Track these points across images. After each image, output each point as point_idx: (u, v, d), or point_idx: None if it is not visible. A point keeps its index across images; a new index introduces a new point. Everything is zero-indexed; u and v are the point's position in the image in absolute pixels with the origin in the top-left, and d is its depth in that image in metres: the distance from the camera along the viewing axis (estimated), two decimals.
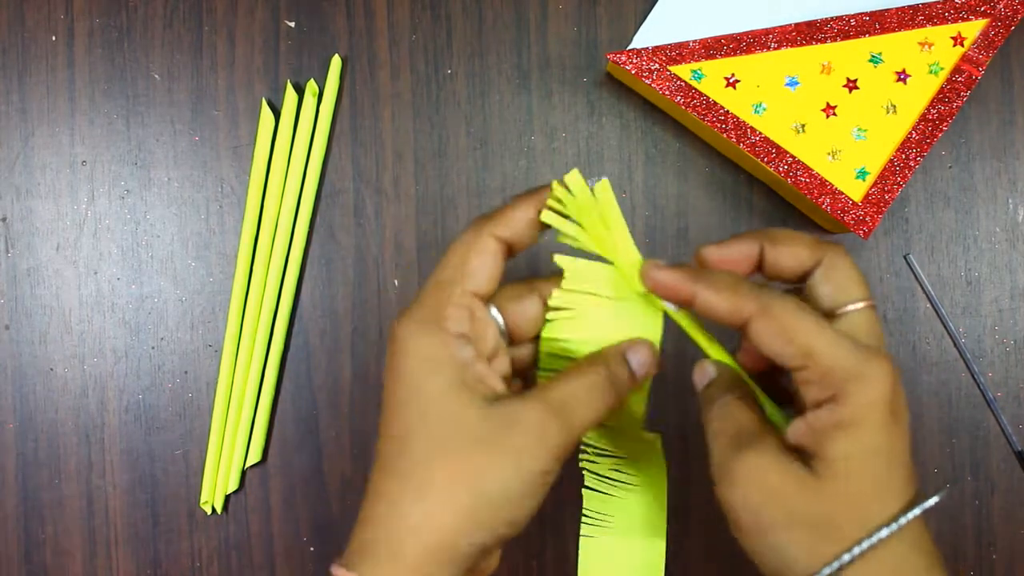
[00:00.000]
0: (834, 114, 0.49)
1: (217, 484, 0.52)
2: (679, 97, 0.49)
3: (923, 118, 0.48)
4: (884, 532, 0.30)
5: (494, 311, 0.35)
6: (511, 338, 0.36)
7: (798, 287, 0.35)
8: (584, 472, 0.37)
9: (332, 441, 0.52)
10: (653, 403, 0.37)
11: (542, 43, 0.52)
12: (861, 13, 0.49)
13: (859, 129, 0.49)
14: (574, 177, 0.34)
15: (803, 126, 0.49)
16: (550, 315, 0.35)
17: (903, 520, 0.30)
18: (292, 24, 0.52)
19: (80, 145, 0.53)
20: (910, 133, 0.48)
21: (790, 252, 0.34)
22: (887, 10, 0.49)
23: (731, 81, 0.49)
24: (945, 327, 0.51)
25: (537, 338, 0.36)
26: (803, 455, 0.32)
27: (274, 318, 0.52)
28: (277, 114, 0.52)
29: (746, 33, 0.49)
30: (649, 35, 0.50)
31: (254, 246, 0.52)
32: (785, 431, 0.32)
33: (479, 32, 0.52)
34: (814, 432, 0.31)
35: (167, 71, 0.52)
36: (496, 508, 0.31)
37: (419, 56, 0.52)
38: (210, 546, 0.52)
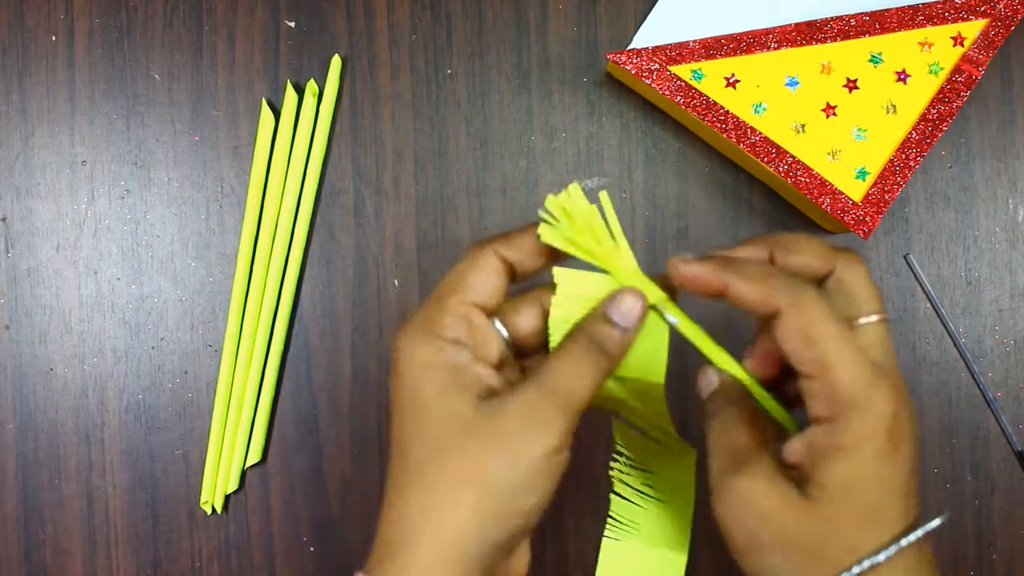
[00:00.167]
0: (834, 114, 0.49)
1: (217, 484, 0.52)
2: (679, 97, 0.49)
3: (923, 118, 0.48)
4: (867, 563, 0.30)
5: (498, 324, 0.35)
6: (520, 349, 0.36)
7: None
8: (612, 478, 0.37)
9: (332, 441, 0.52)
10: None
11: (542, 43, 0.52)
12: (861, 13, 0.49)
13: (859, 129, 0.49)
14: (575, 191, 0.34)
15: (803, 126, 0.49)
16: (551, 326, 0.35)
17: (892, 549, 0.30)
18: (292, 24, 0.52)
19: (80, 145, 0.53)
20: (910, 133, 0.48)
21: (801, 260, 0.33)
22: (887, 10, 0.49)
23: (731, 81, 0.49)
24: (945, 327, 0.51)
25: (546, 347, 0.36)
26: (799, 475, 0.31)
27: (274, 318, 0.52)
28: (277, 114, 0.52)
29: (746, 33, 0.49)
30: (649, 35, 0.50)
31: (254, 246, 0.52)
32: (794, 435, 0.32)
33: (479, 32, 0.52)
34: (810, 453, 0.31)
35: (167, 71, 0.52)
36: (501, 499, 0.31)
37: (419, 56, 0.52)
38: (210, 546, 0.52)
